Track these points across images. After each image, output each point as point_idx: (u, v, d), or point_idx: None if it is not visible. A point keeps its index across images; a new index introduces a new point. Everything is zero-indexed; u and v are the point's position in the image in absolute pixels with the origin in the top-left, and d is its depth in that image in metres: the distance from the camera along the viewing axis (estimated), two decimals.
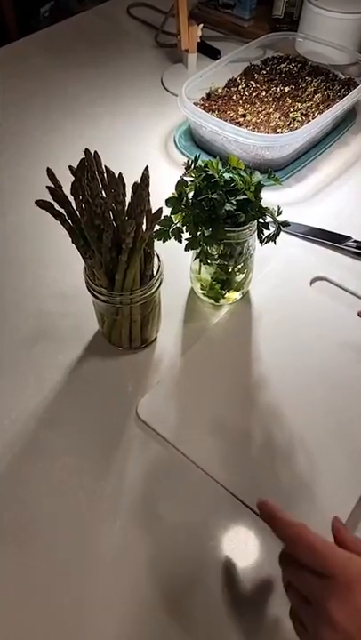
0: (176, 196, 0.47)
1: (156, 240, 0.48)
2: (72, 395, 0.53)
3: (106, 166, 0.43)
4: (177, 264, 0.59)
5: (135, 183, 0.42)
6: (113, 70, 0.96)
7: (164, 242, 0.48)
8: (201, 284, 0.59)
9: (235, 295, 0.60)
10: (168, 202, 0.48)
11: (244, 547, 0.43)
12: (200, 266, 0.56)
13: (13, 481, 0.47)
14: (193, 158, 0.48)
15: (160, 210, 0.43)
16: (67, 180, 0.43)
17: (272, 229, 0.50)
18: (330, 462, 0.48)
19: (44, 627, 0.40)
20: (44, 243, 0.67)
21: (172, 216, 0.47)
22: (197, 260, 0.55)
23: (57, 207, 0.41)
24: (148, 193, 0.43)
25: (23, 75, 0.95)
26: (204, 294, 0.60)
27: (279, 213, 0.49)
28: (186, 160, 0.48)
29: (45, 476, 0.47)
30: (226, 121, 0.71)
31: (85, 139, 0.82)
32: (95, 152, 0.43)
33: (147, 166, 0.43)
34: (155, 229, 0.46)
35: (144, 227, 0.44)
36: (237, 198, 0.46)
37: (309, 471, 0.47)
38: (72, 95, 0.90)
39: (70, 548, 0.43)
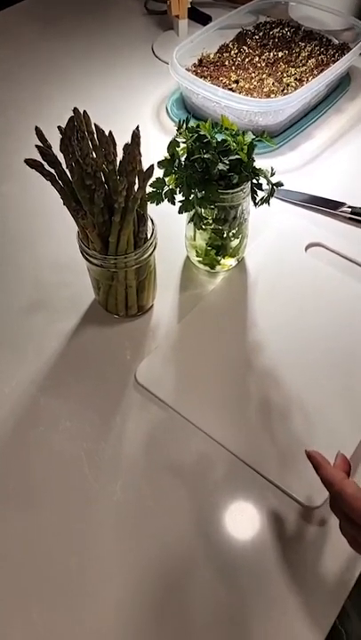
0: (168, 157, 0.47)
1: (149, 203, 0.47)
2: (71, 362, 0.53)
3: (96, 125, 0.42)
4: (172, 233, 0.59)
5: (126, 143, 0.42)
6: (102, 39, 0.94)
7: (157, 204, 0.47)
8: (196, 251, 0.59)
9: (230, 262, 0.60)
10: (160, 164, 0.47)
11: (243, 503, 0.44)
12: (195, 232, 0.56)
13: (16, 445, 0.47)
14: (185, 119, 0.48)
15: (151, 167, 0.42)
16: (58, 144, 0.43)
17: (266, 191, 0.50)
18: (326, 421, 0.48)
19: (49, 586, 0.41)
20: (40, 214, 0.66)
21: (165, 178, 0.47)
22: (192, 226, 0.55)
23: (47, 167, 0.41)
24: (140, 152, 0.42)
25: (9, 45, 0.93)
26: (199, 261, 0.60)
27: (272, 174, 0.49)
28: (178, 120, 0.48)
29: (47, 439, 0.48)
30: (218, 87, 0.70)
31: (76, 106, 0.80)
32: (84, 111, 0.42)
33: (137, 125, 0.43)
34: (147, 191, 0.46)
35: (136, 187, 0.43)
36: (230, 158, 0.46)
37: (306, 430, 0.48)
38: (61, 65, 0.89)
39: (73, 507, 0.44)
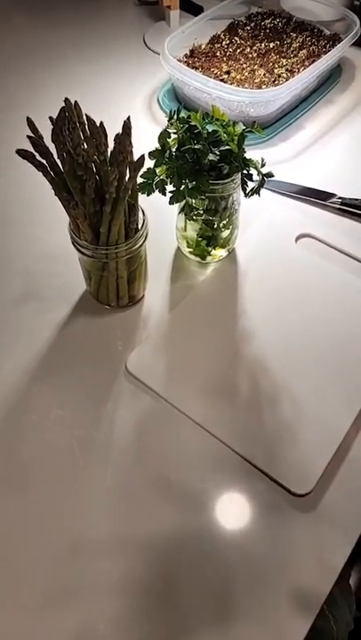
0: (159, 147, 0.47)
1: (140, 194, 0.48)
2: (63, 352, 0.53)
3: (87, 115, 0.42)
4: (164, 224, 0.59)
5: (117, 133, 0.42)
6: (94, 29, 0.94)
7: (148, 195, 0.48)
8: (187, 242, 0.59)
9: (221, 252, 0.60)
10: (151, 154, 0.47)
11: (233, 490, 0.45)
12: (186, 223, 0.57)
13: (9, 432, 0.48)
14: (175, 109, 0.48)
15: (142, 157, 0.43)
16: (49, 134, 0.43)
17: (256, 182, 0.50)
18: (315, 410, 0.49)
19: (40, 572, 0.41)
20: (31, 204, 0.66)
21: (156, 169, 0.47)
22: (183, 217, 0.55)
23: (38, 158, 0.41)
24: (131, 143, 0.42)
25: (4, 34, 0.93)
26: (190, 252, 0.60)
27: (263, 165, 0.49)
28: (169, 110, 0.48)
29: (39, 427, 0.48)
30: (210, 78, 0.70)
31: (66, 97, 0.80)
32: (75, 102, 0.42)
33: (128, 116, 0.43)
34: (138, 182, 0.46)
35: (127, 177, 0.44)
36: (221, 149, 0.46)
37: (295, 418, 0.49)
38: (54, 54, 0.88)
39: (64, 493, 0.45)
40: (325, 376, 0.51)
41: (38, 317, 0.56)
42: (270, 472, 0.45)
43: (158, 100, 0.79)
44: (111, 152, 0.42)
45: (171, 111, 0.48)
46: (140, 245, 0.49)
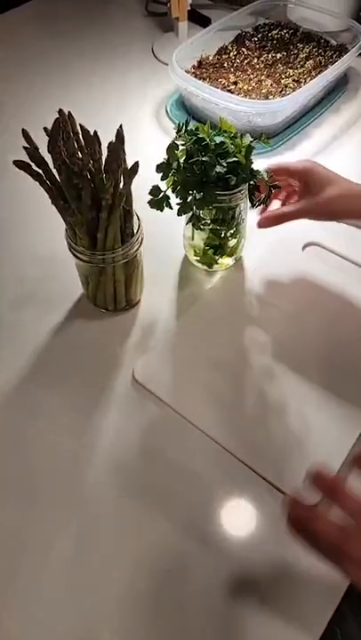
0: (166, 161, 0.48)
1: (150, 207, 0.48)
2: (64, 358, 0.54)
3: (81, 124, 0.44)
4: (171, 232, 0.60)
5: (110, 141, 0.43)
6: (104, 40, 0.95)
7: (161, 210, 0.49)
8: (195, 251, 0.60)
9: (228, 261, 0.61)
10: (158, 168, 0.48)
11: (238, 500, 0.45)
12: (193, 232, 0.57)
13: (14, 440, 0.48)
14: (184, 121, 0.49)
15: (136, 163, 0.44)
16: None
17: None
18: (322, 420, 0.49)
19: (46, 577, 0.42)
20: (30, 209, 0.67)
21: (164, 182, 0.48)
22: (190, 226, 0.56)
23: (35, 168, 0.42)
24: (124, 151, 0.43)
25: (13, 44, 0.94)
26: (197, 261, 0.61)
27: (270, 176, 0.50)
28: (177, 122, 0.49)
29: (45, 435, 0.49)
30: (217, 89, 0.71)
31: (76, 108, 0.81)
32: (69, 112, 0.44)
33: (120, 125, 0.44)
34: (147, 201, 0.47)
35: (122, 184, 0.45)
36: (228, 161, 0.47)
37: (302, 429, 0.49)
38: (62, 65, 0.90)
39: (70, 502, 0.45)
40: (332, 386, 0.52)
41: (37, 323, 0.56)
42: (277, 483, 0.45)
43: (167, 110, 0.80)
44: (106, 160, 0.43)
45: (179, 123, 0.49)
46: (136, 250, 0.50)
